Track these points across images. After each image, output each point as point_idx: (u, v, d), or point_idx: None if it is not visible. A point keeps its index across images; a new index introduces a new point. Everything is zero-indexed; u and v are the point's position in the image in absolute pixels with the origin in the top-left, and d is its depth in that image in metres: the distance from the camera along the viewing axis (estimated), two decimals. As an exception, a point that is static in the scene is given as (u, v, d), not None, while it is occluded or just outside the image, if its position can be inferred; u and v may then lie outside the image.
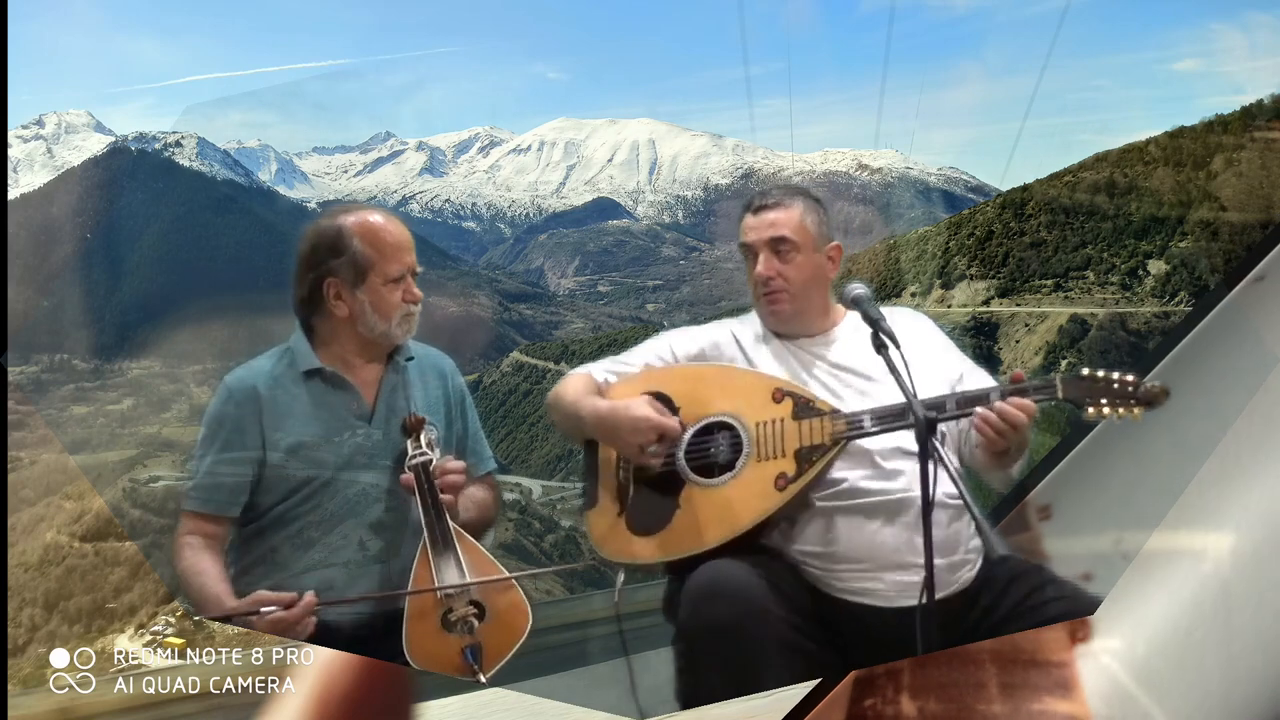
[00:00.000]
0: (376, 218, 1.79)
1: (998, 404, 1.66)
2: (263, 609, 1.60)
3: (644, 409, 1.79)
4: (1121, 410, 1.66)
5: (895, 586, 1.69)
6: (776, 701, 1.68)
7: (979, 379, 1.81)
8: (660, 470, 1.81)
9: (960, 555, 1.73)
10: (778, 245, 1.82)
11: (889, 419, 1.71)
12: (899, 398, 1.67)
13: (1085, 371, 1.67)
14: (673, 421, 1.79)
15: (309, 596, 1.62)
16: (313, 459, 1.75)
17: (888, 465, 1.73)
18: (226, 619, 1.66)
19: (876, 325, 1.67)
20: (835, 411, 1.74)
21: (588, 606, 2.09)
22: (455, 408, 1.90)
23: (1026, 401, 1.66)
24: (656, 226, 17.24)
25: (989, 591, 1.73)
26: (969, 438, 1.75)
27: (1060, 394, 1.67)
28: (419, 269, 1.82)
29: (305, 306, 1.81)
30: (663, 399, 1.83)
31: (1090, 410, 1.67)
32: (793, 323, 1.84)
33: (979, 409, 1.66)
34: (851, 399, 1.77)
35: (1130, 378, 1.67)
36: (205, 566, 1.70)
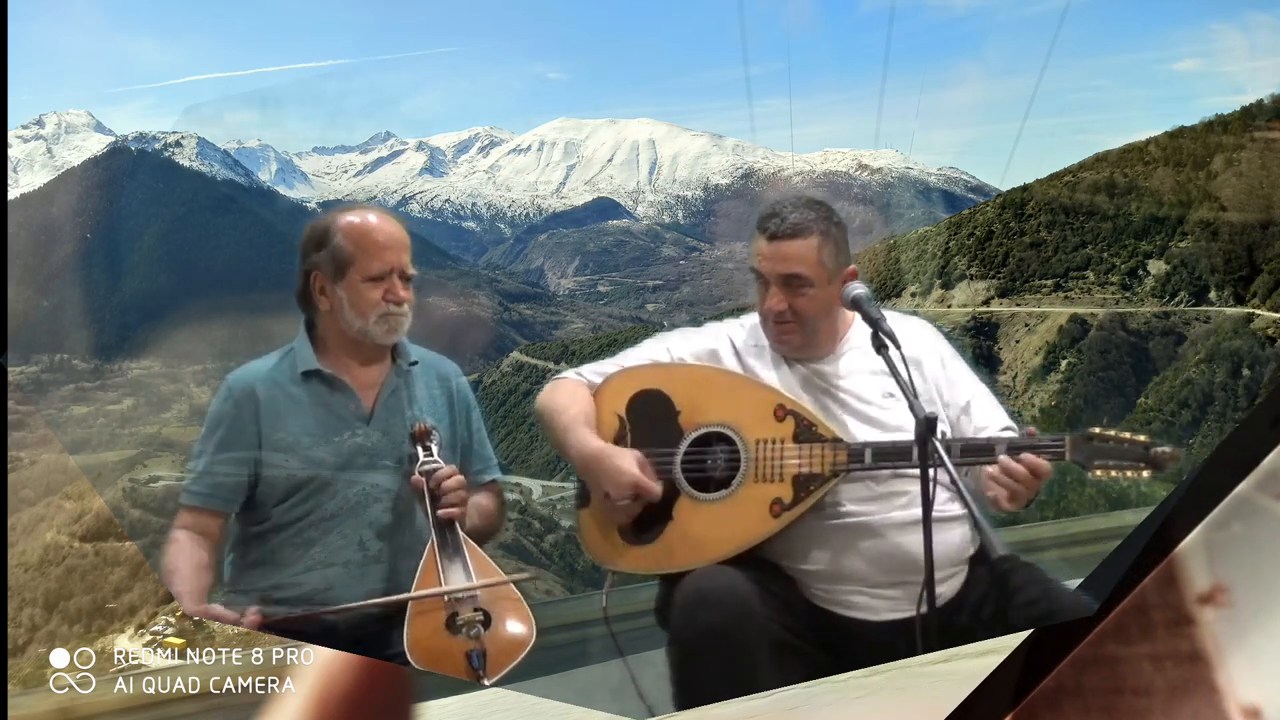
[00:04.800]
0: (368, 217, 1.80)
1: (1014, 462, 1.61)
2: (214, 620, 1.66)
3: (631, 466, 1.75)
4: (1130, 473, 1.62)
5: (884, 601, 1.69)
6: (777, 701, 1.67)
7: (987, 407, 1.79)
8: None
9: (950, 569, 1.72)
10: (790, 280, 1.76)
11: (890, 456, 1.68)
12: (900, 420, 1.66)
13: (1095, 430, 1.63)
14: (655, 487, 1.75)
15: (251, 617, 1.67)
16: (311, 459, 1.76)
17: (883, 488, 1.72)
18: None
19: (876, 325, 1.67)
20: (837, 440, 1.71)
21: (588, 606, 2.09)
22: (460, 413, 1.89)
23: (1043, 464, 1.62)
24: (656, 226, 17.22)
25: (979, 593, 1.72)
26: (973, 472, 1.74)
27: (1068, 455, 1.63)
28: (412, 271, 1.81)
29: (301, 300, 1.83)
30: (663, 400, 1.82)
31: (1098, 473, 1.63)
32: (801, 351, 1.82)
33: (992, 470, 1.62)
34: (851, 422, 1.76)
35: (1141, 438, 1.62)
36: (179, 565, 1.72)
